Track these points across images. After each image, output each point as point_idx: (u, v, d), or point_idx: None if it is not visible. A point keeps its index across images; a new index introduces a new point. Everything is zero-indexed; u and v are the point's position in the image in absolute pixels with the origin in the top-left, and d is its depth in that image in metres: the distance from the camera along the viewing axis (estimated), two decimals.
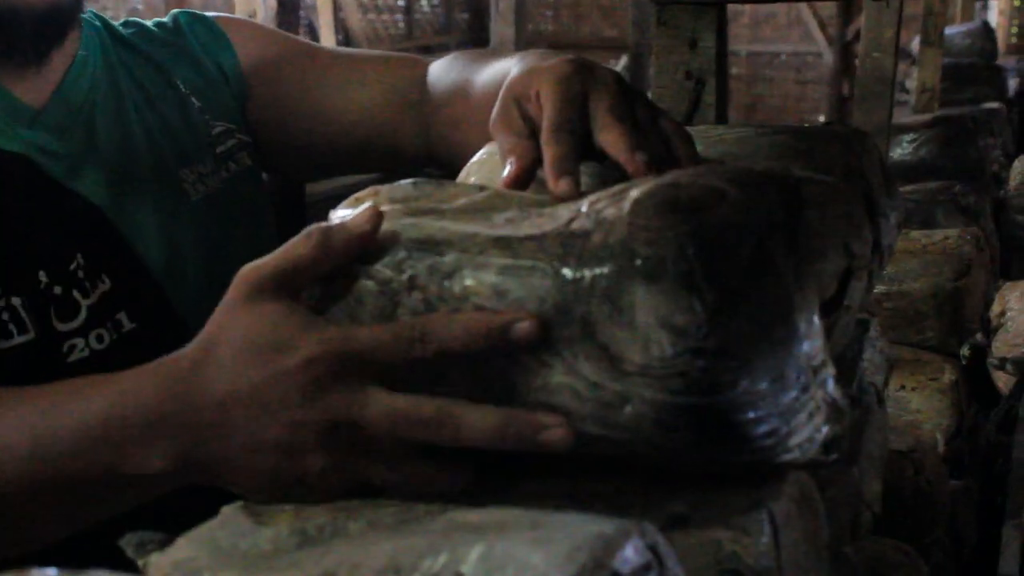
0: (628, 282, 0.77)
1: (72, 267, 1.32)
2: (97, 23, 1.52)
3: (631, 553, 0.63)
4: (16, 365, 1.25)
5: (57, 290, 1.29)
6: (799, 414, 0.80)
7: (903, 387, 1.96)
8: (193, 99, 1.53)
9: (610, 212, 0.81)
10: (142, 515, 0.89)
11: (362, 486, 0.83)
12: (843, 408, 0.83)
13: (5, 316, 1.26)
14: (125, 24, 1.57)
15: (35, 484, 0.92)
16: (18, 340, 1.26)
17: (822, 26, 13.74)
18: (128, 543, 0.80)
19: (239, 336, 0.84)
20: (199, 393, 0.84)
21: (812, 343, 0.81)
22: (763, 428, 0.79)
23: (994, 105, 4.45)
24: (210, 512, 0.83)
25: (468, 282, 0.82)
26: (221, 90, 1.57)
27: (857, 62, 2.25)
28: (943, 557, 1.67)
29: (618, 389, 0.78)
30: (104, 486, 0.91)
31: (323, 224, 0.87)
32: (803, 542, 0.89)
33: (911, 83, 4.88)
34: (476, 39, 12.75)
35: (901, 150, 3.05)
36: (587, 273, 0.78)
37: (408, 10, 12.48)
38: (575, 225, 0.82)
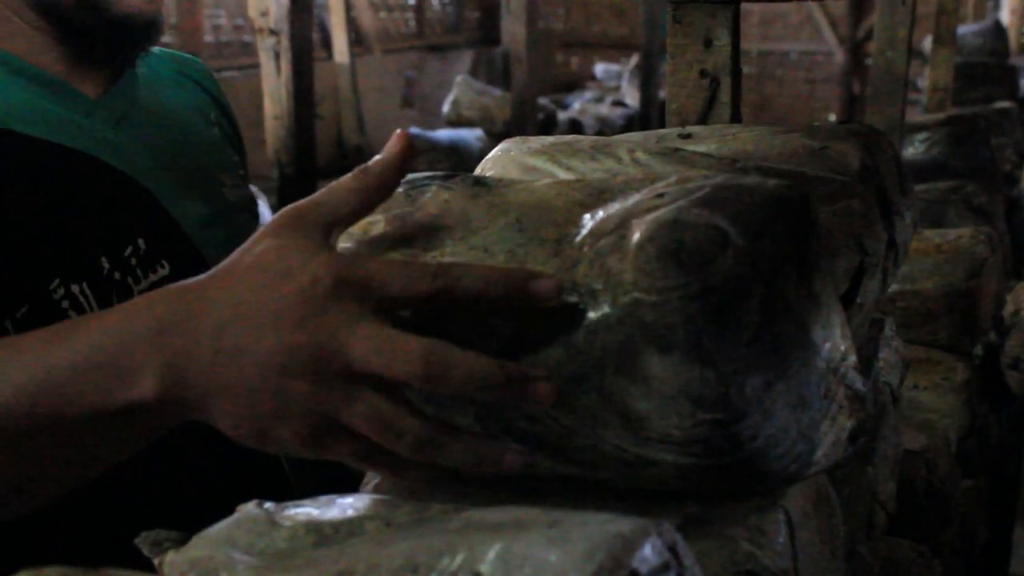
0: (640, 351, 0.76)
1: (127, 253, 1.33)
2: None
3: (649, 552, 0.63)
4: None
5: (116, 276, 1.31)
6: (822, 424, 0.80)
7: (916, 386, 1.95)
8: (216, 129, 1.61)
9: (613, 261, 0.79)
10: (157, 514, 0.88)
11: (338, 433, 0.81)
12: (865, 396, 0.83)
13: (65, 304, 1.27)
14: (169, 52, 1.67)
15: (33, 417, 0.89)
16: None
17: (833, 25, 13.72)
18: (144, 542, 0.80)
19: (251, 263, 0.83)
20: (199, 314, 0.83)
21: (832, 343, 0.80)
22: (788, 458, 0.79)
23: (1006, 104, 4.45)
24: (226, 511, 0.82)
25: (478, 348, 0.79)
26: (230, 124, 1.66)
27: (870, 61, 2.25)
28: (954, 556, 1.66)
29: (641, 453, 0.78)
30: (99, 417, 0.87)
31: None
32: (819, 542, 0.89)
33: (923, 82, 4.87)
34: (487, 37, 12.75)
35: (913, 149, 3.04)
36: (598, 342, 0.77)
37: (419, 8, 12.47)
38: (579, 275, 0.80)
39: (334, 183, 0.87)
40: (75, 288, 1.27)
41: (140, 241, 1.34)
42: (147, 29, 1.40)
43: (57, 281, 1.26)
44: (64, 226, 1.30)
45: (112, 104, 1.42)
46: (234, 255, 0.85)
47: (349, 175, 0.87)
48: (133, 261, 1.33)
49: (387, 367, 0.77)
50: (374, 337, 0.77)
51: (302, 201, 0.86)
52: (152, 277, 1.35)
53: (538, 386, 0.77)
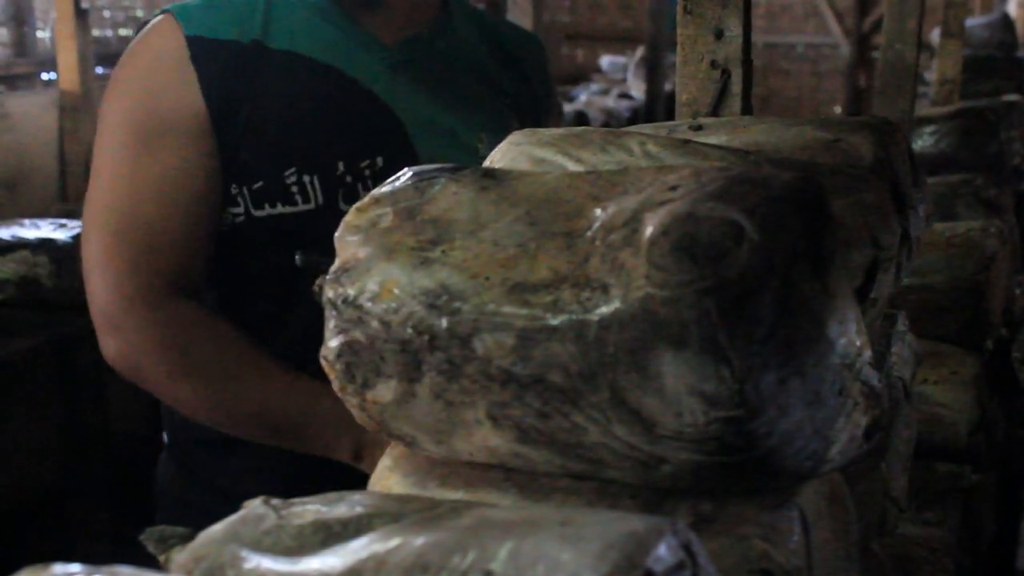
0: (653, 348, 0.75)
1: (364, 164, 1.67)
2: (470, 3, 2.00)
3: (664, 552, 0.62)
4: (295, 226, 1.64)
5: (348, 179, 1.65)
6: (837, 420, 0.79)
7: (925, 380, 1.94)
8: (507, 97, 1.85)
9: (626, 255, 0.78)
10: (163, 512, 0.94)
11: None
12: (880, 392, 0.82)
13: (295, 189, 1.65)
14: (481, 11, 2.04)
15: (260, 430, 1.63)
16: (302, 208, 1.65)
17: (839, 18, 13.69)
18: (149, 538, 0.79)
19: None
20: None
21: (847, 338, 0.79)
22: (802, 455, 0.78)
23: (1013, 97, 4.43)
24: (233, 507, 0.82)
25: (489, 345, 0.80)
26: (531, 100, 1.89)
27: (878, 53, 2.23)
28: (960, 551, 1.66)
29: (654, 451, 0.77)
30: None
31: None
32: (833, 539, 0.88)
33: (930, 75, 4.85)
34: None
35: (922, 142, 3.02)
36: (610, 338, 0.76)
37: None
38: (590, 269, 0.80)
39: None
40: (306, 178, 1.64)
41: (379, 159, 1.68)
42: None
43: (293, 170, 1.64)
44: (313, 130, 1.67)
45: (400, 52, 1.74)
46: None
47: None
48: (367, 172, 1.67)
49: None
50: None
51: None
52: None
53: None
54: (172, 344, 1.61)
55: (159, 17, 1.70)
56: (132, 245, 1.61)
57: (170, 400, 1.68)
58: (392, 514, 0.76)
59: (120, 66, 1.74)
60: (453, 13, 1.85)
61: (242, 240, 1.68)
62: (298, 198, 1.65)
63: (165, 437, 1.86)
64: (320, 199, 1.65)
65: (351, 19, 1.73)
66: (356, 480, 1.23)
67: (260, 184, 1.65)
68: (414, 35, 1.77)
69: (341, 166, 1.66)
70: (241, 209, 1.66)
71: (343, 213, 1.50)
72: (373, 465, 1.12)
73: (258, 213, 1.65)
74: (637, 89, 10.94)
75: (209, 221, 1.66)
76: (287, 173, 1.65)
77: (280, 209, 1.65)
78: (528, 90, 1.90)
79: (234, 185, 1.65)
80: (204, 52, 1.66)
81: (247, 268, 1.71)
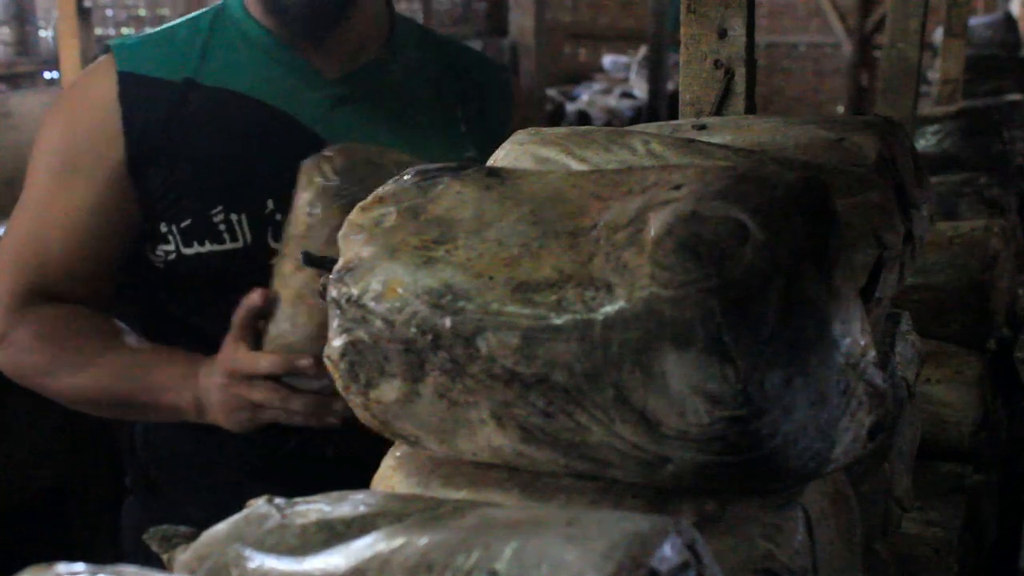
0: (657, 347, 0.75)
1: None
2: (422, 27, 2.01)
3: (669, 551, 0.61)
4: (223, 265, 1.67)
5: (279, 216, 1.63)
6: (841, 420, 0.78)
7: (928, 380, 1.94)
8: (462, 126, 1.82)
9: (630, 255, 0.78)
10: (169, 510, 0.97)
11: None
12: (884, 391, 0.82)
13: (222, 227, 1.65)
14: (438, 36, 2.01)
15: (113, 398, 1.69)
16: (230, 246, 1.66)
17: (841, 17, 13.67)
18: (153, 537, 0.79)
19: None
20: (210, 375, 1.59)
21: (851, 338, 0.79)
22: (806, 455, 0.77)
23: (1016, 97, 4.42)
24: (237, 506, 0.81)
25: (493, 344, 0.80)
26: (489, 130, 1.81)
27: (881, 53, 2.23)
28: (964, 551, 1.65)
29: (658, 451, 0.77)
30: (151, 406, 1.67)
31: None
32: (837, 539, 0.87)
33: (933, 74, 4.85)
34: (495, 28, 12.72)
35: (925, 141, 3.02)
36: (615, 338, 0.76)
37: None
38: (594, 268, 0.80)
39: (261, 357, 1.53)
40: (233, 217, 1.65)
41: None
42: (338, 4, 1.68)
43: (220, 208, 1.65)
44: (241, 168, 1.67)
45: (342, 86, 1.73)
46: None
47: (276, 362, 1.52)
48: None
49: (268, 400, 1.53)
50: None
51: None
52: None
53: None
54: (45, 338, 1.69)
55: (104, 54, 1.75)
56: (26, 267, 1.69)
57: (52, 394, 1.73)
58: (396, 514, 0.76)
59: (57, 99, 1.85)
60: (403, 43, 1.83)
61: (174, 278, 1.71)
62: (226, 236, 1.66)
63: (127, 482, 1.89)
64: (248, 237, 1.67)
65: (293, 54, 1.73)
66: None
67: (188, 222, 1.66)
68: (359, 68, 1.76)
69: (271, 204, 1.66)
70: (172, 247, 1.68)
71: (274, 252, 1.59)
72: (215, 417, 1.57)
73: (188, 251, 1.68)
74: (639, 88, 10.95)
75: (112, 259, 1.71)
76: (214, 211, 1.66)
77: (209, 247, 1.67)
78: (488, 119, 1.86)
79: (163, 223, 1.67)
80: (133, 90, 1.68)
81: (179, 305, 1.76)
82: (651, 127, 1.16)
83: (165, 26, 1.81)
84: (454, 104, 1.83)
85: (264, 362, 1.50)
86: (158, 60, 1.71)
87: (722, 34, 1.27)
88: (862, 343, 0.80)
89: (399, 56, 1.81)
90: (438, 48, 1.91)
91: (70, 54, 5.33)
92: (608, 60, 13.05)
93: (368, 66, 1.77)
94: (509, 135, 1.83)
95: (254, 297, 1.51)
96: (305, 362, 1.45)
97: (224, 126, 1.68)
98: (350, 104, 1.74)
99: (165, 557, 0.78)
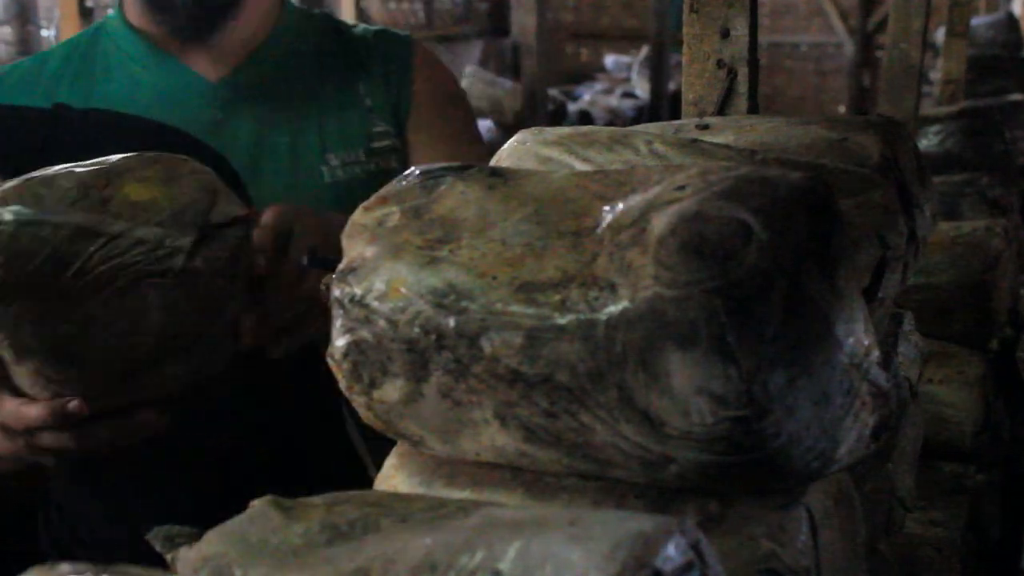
0: (661, 347, 0.75)
1: None
2: (310, 11, 1.86)
3: (673, 551, 0.61)
4: None
5: None
6: (844, 420, 0.78)
7: (931, 380, 1.94)
8: (367, 100, 1.76)
9: (634, 255, 0.78)
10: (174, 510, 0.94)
11: None
12: (888, 391, 0.82)
13: None
14: (328, 16, 1.91)
15: None
16: None
17: (843, 17, 13.68)
18: (156, 537, 0.79)
19: None
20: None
21: (854, 338, 0.79)
22: (810, 455, 0.77)
23: (1018, 97, 4.42)
24: (239, 507, 0.81)
25: (496, 344, 0.80)
26: (392, 101, 1.78)
27: (883, 53, 2.23)
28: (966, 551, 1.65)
29: (661, 451, 0.77)
30: None
31: None
32: (840, 539, 0.87)
33: (935, 74, 4.85)
34: (496, 28, 12.72)
35: (927, 141, 3.02)
36: (618, 338, 0.76)
37: None
38: (598, 268, 0.79)
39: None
40: None
41: None
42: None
43: None
44: None
45: (226, 89, 1.67)
46: None
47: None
48: None
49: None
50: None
51: None
52: None
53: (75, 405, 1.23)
54: None
55: None
56: None
57: None
58: (399, 513, 0.76)
59: None
60: (286, 30, 1.76)
61: None
62: None
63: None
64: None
65: (176, 60, 1.67)
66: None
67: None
68: (244, 62, 1.69)
69: None
70: None
71: None
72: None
73: None
74: (641, 88, 10.96)
75: None
76: None
77: None
78: (392, 88, 1.80)
79: None
80: (3, 121, 1.65)
81: None
82: (654, 127, 1.16)
83: (40, 52, 1.78)
84: (354, 80, 1.77)
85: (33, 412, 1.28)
86: (26, 89, 1.67)
87: (725, 34, 1.27)
88: (866, 343, 0.80)
89: (284, 41, 1.74)
90: (332, 29, 1.84)
91: None
92: (610, 60, 13.06)
93: (255, 56, 1.70)
94: (413, 100, 1.80)
95: None
96: (76, 404, 1.24)
97: (101, 150, 1.49)
98: (234, 106, 1.68)
99: (168, 557, 0.78)
